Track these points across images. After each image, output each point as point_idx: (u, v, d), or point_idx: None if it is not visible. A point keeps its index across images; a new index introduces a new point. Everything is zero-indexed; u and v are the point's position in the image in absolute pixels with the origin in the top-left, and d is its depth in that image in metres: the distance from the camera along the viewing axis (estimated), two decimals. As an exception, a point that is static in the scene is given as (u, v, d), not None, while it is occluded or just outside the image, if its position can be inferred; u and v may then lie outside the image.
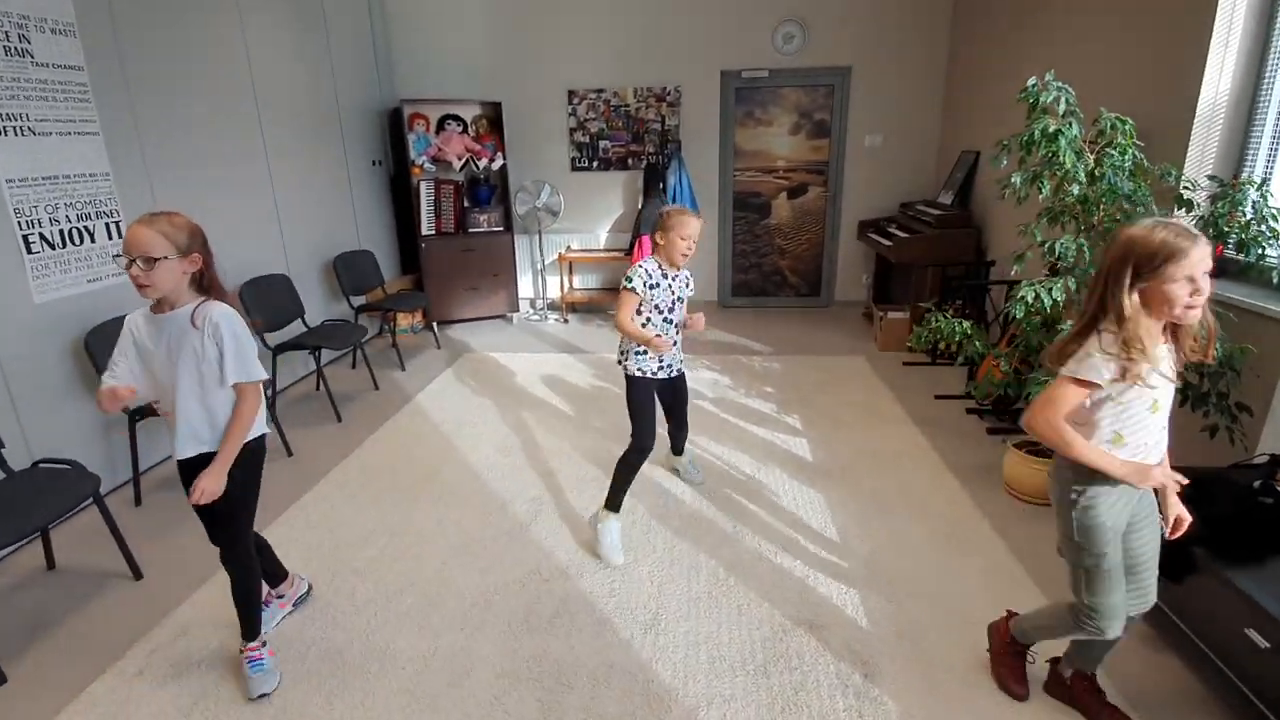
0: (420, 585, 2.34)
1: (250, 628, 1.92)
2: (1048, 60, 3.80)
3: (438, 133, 5.45)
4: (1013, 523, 2.63)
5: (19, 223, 2.64)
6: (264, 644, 1.95)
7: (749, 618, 2.15)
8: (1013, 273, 2.66)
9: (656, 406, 2.57)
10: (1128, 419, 1.46)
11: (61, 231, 2.81)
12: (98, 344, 2.79)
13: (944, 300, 4.46)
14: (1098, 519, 1.52)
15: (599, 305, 6.10)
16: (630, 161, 5.77)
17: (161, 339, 1.69)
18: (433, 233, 5.48)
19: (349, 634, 2.11)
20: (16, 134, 2.63)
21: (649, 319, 2.46)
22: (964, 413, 3.70)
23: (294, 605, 2.20)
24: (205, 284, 1.71)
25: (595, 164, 5.80)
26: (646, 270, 2.41)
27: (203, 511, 1.80)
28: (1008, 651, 1.85)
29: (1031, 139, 2.45)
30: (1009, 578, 2.31)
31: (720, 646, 2.03)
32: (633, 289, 2.40)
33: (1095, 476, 1.50)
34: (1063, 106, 2.44)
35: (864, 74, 5.41)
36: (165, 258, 1.60)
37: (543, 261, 5.93)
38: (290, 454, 3.34)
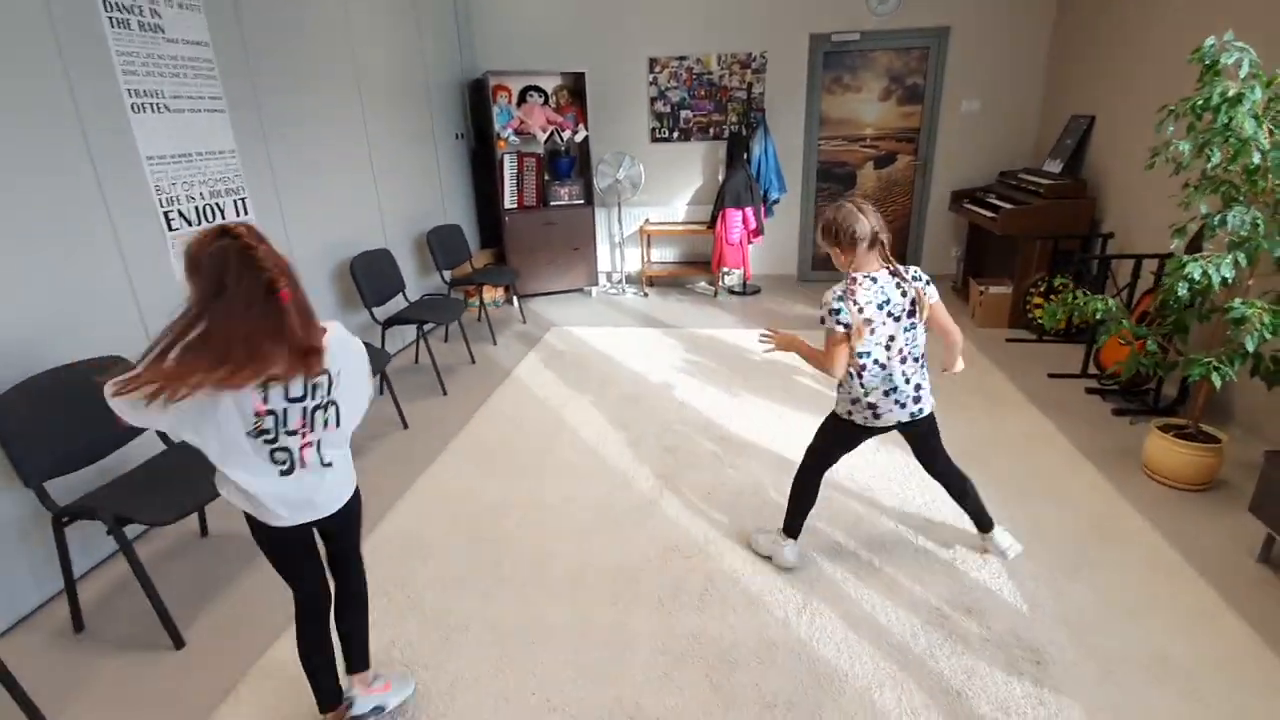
0: (563, 559, 2.37)
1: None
2: (1176, 11, 3.54)
3: (519, 105, 5.40)
4: (1161, 508, 2.52)
5: (159, 200, 2.71)
6: (376, 676, 1.78)
7: (902, 600, 2.12)
8: (1173, 247, 2.51)
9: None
10: None
11: (197, 208, 2.88)
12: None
13: (1052, 274, 4.28)
14: None
15: (679, 279, 6.04)
16: (712, 131, 5.64)
17: None
18: (514, 206, 5.47)
19: (502, 606, 2.15)
20: (154, 110, 2.68)
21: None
22: (1084, 393, 3.55)
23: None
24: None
25: (676, 134, 5.69)
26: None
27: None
28: None
29: (1207, 103, 2.28)
30: (1167, 567, 2.22)
31: (879, 629, 2.01)
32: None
33: None
34: (1245, 68, 2.26)
35: (963, 34, 5.14)
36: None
37: (621, 234, 5.88)
38: (406, 426, 3.42)
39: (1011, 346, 4.27)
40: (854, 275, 1.94)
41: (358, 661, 1.76)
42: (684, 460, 3.00)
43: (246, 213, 3.14)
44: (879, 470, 2.87)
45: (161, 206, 2.71)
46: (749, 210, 5.27)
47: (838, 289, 1.95)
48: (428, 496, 2.77)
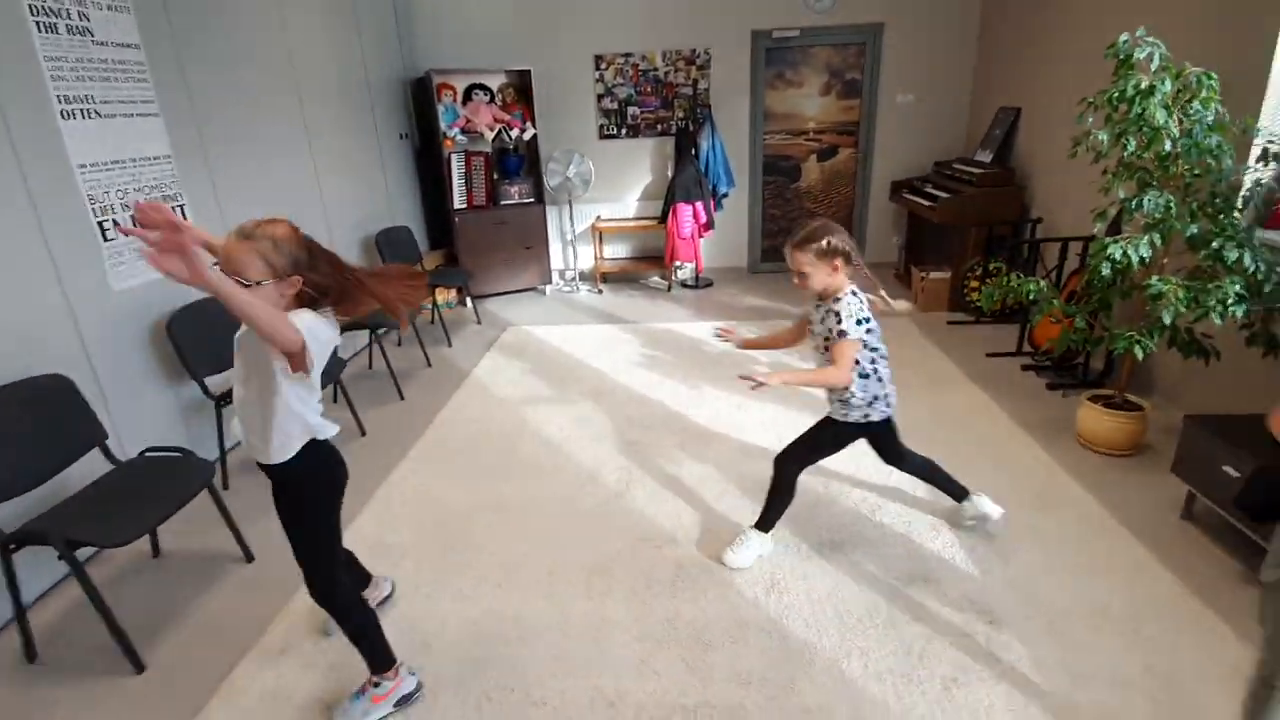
0: (535, 557, 2.39)
1: (373, 662, 1.75)
2: (1095, 9, 3.78)
3: (464, 103, 5.34)
4: (1094, 474, 2.71)
5: (93, 208, 2.60)
6: (391, 676, 1.76)
7: (863, 574, 2.22)
8: (1095, 230, 2.69)
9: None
10: None
11: (133, 217, 2.76)
12: (181, 329, 2.78)
13: (987, 259, 4.50)
14: None
15: (632, 274, 6.09)
16: (660, 127, 5.70)
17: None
18: (464, 206, 5.41)
19: (480, 607, 2.16)
20: (85, 116, 2.56)
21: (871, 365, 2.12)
22: (1020, 369, 3.76)
23: (376, 606, 2.02)
24: (316, 295, 1.48)
25: (624, 131, 5.72)
26: (863, 300, 2.06)
27: None
28: None
29: (1122, 95, 2.45)
30: (1101, 527, 2.39)
31: (843, 602, 2.10)
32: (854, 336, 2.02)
33: None
34: (1156, 62, 2.44)
35: (896, 31, 5.34)
36: (260, 283, 1.39)
37: (573, 232, 5.88)
38: (364, 433, 3.36)
39: (952, 329, 4.48)
40: (851, 289, 2.02)
41: None
42: (648, 453, 3.05)
43: (185, 219, 3.02)
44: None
45: (95, 216, 2.59)
46: (699, 204, 5.36)
47: (859, 301, 2.01)
48: (392, 504, 2.74)
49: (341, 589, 1.74)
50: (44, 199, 2.37)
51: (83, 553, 2.12)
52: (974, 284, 4.58)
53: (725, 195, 5.65)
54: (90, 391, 2.40)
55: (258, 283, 1.39)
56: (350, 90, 4.51)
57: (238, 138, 3.37)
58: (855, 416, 2.15)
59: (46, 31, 2.40)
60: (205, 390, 2.83)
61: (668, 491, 2.74)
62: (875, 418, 2.15)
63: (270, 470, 1.59)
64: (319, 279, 1.47)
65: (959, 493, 2.40)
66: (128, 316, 2.72)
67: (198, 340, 2.84)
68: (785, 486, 2.28)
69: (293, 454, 1.56)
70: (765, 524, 2.31)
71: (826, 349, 2.05)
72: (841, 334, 1.98)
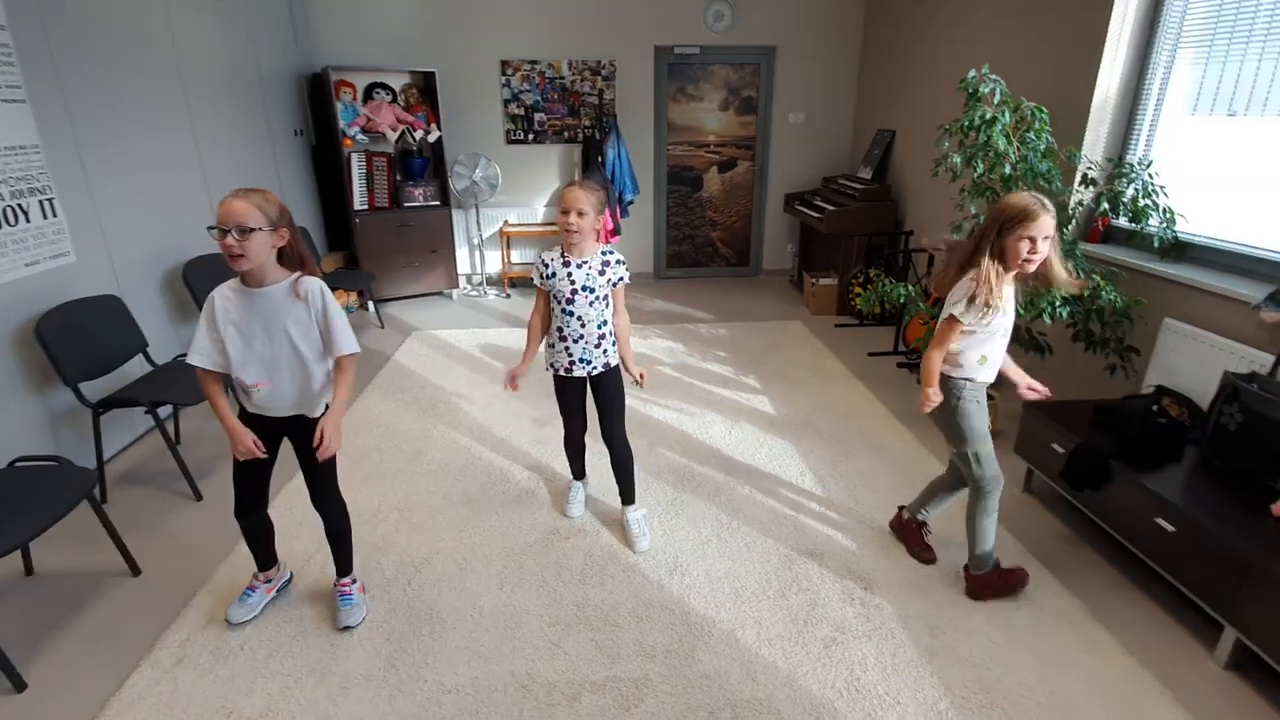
0: (444, 553, 2.42)
1: (343, 565, 2.11)
2: (955, 46, 4.25)
3: (365, 102, 5.22)
4: (955, 457, 3.06)
5: (-54, 201, 2.39)
6: (354, 580, 2.14)
7: (757, 553, 2.42)
8: (951, 239, 3.05)
9: (585, 401, 2.48)
10: (988, 345, 1.96)
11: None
12: (51, 332, 2.60)
13: (868, 267, 4.92)
14: (972, 414, 2.05)
15: (538, 279, 6.12)
16: (566, 134, 5.80)
17: (256, 316, 1.75)
18: (365, 207, 5.28)
19: (389, 605, 2.17)
20: (-65, 100, 2.37)
21: (553, 310, 2.31)
22: (895, 367, 4.15)
23: (277, 591, 2.20)
24: (294, 258, 1.79)
25: (531, 136, 5.78)
26: (542, 260, 2.28)
27: (255, 471, 1.95)
28: (911, 529, 2.40)
29: (971, 124, 2.81)
30: (959, 503, 2.72)
31: (739, 579, 2.29)
32: (534, 281, 2.32)
33: (961, 391, 2.01)
34: (998, 97, 2.81)
35: (787, 54, 5.73)
36: (259, 229, 1.66)
37: (480, 236, 5.87)
38: (261, 440, 3.24)
39: (839, 331, 4.86)
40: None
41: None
42: (557, 450, 3.13)
43: (55, 215, 2.82)
44: (735, 442, 3.20)
45: (-51, 208, 2.39)
46: (606, 211, 5.49)
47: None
48: (295, 511, 2.66)
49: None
50: (-112, 189, 2.16)
51: (-59, 572, 1.97)
52: (857, 290, 4.99)
53: (631, 202, 5.83)
54: (-55, 399, 2.21)
55: (258, 229, 1.66)
56: (239, 83, 4.31)
57: (115, 129, 3.17)
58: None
59: (-109, 6, 2.20)
60: (81, 397, 2.65)
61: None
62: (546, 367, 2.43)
63: (313, 421, 1.88)
64: (292, 240, 1.76)
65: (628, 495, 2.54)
66: (-11, 318, 2.52)
67: (70, 344, 2.67)
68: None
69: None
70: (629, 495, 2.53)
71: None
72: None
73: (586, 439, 2.62)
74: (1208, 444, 2.24)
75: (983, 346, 1.98)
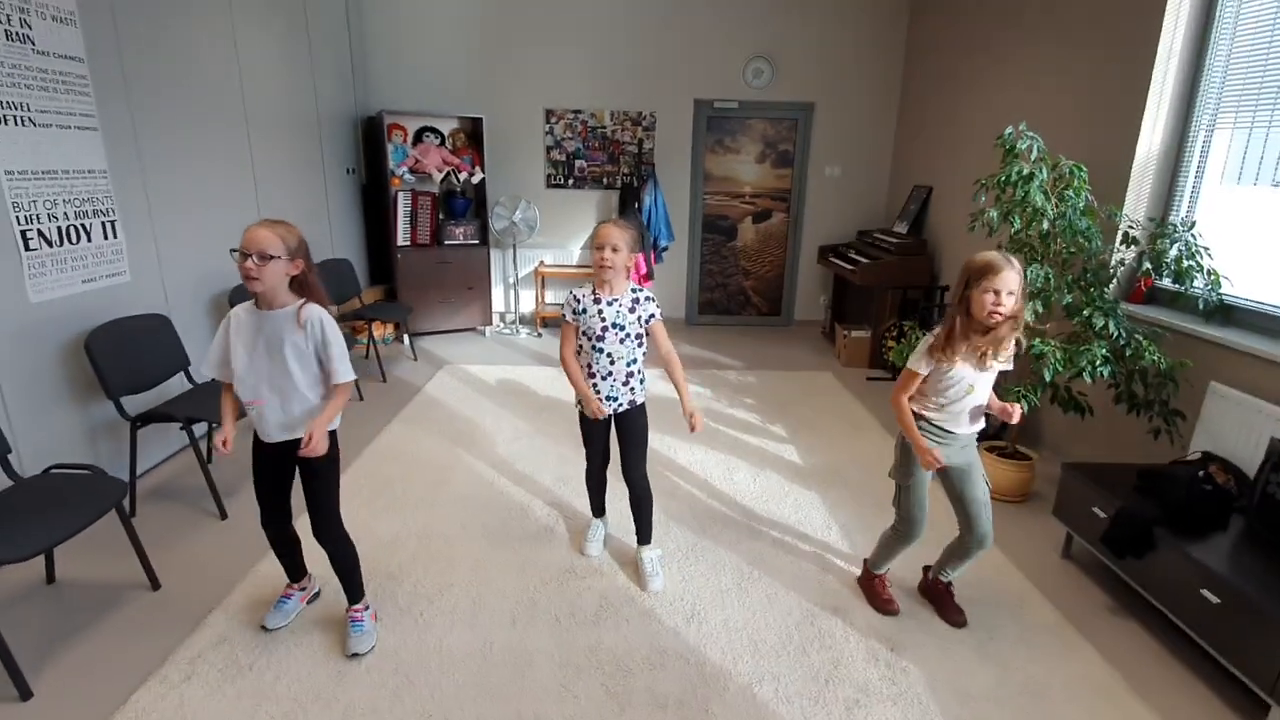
0: (459, 586, 2.39)
1: (352, 594, 2.13)
2: (994, 105, 4.28)
3: (414, 144, 5.45)
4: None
5: (17, 218, 2.54)
6: (366, 607, 2.15)
7: (778, 606, 2.33)
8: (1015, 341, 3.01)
9: (609, 438, 2.46)
10: (950, 394, 2.02)
11: (60, 229, 2.71)
12: (100, 346, 2.70)
13: (901, 320, 4.87)
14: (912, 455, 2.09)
15: (569, 319, 6.20)
16: (605, 180, 5.95)
17: (261, 334, 1.84)
18: (408, 244, 5.46)
19: (400, 635, 2.14)
20: (17, 123, 2.54)
21: (581, 346, 2.31)
22: (929, 422, 4.05)
23: (307, 603, 2.27)
24: (304, 287, 1.88)
25: (570, 182, 5.95)
26: (575, 295, 2.28)
27: (270, 486, 2.04)
28: (871, 581, 2.38)
29: (1008, 179, 2.80)
30: (991, 563, 2.60)
31: (758, 632, 2.20)
32: (564, 317, 2.31)
33: (920, 415, 2.09)
34: (1035, 153, 2.81)
35: (825, 110, 5.84)
36: (278, 257, 1.78)
37: (516, 276, 5.99)
38: (288, 462, 3.28)
39: (871, 384, 4.78)
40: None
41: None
42: (578, 489, 3.10)
43: (115, 236, 2.97)
44: (759, 490, 3.13)
45: (19, 225, 2.53)
46: (640, 256, 5.57)
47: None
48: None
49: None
50: (-32, 204, 2.31)
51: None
52: (890, 343, 4.92)
53: (665, 248, 5.91)
54: (-5, 404, 2.30)
55: (276, 256, 1.77)
56: (299, 122, 4.55)
57: (179, 159, 3.36)
58: None
59: (-15, 36, 2.40)
60: (121, 410, 2.73)
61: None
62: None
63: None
64: (305, 270, 1.86)
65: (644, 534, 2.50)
66: (43, 330, 2.64)
67: (117, 359, 2.77)
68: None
69: (333, 426, 2.00)
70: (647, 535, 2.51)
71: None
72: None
73: (609, 476, 2.59)
74: (1255, 513, 2.11)
75: (942, 395, 2.03)
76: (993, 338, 1.93)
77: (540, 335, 5.85)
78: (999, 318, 1.90)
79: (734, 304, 6.42)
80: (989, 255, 1.94)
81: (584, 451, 2.52)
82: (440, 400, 4.22)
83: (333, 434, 1.99)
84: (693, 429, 2.33)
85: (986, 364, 1.98)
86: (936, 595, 2.34)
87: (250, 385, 1.87)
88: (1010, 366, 2.05)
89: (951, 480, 2.14)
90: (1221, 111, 2.88)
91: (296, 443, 1.90)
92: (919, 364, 2.02)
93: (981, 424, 2.11)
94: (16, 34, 2.54)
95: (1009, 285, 1.88)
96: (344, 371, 1.91)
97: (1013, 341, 1.99)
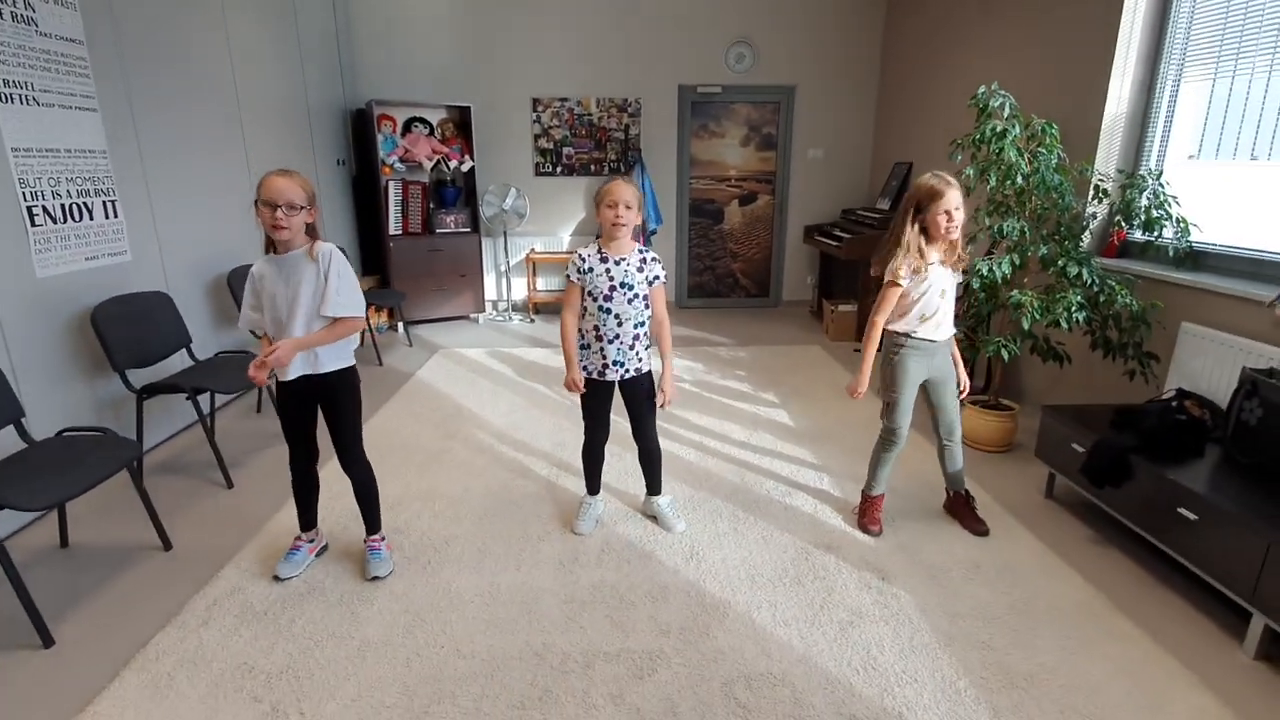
0: (463, 538, 2.46)
1: (371, 524, 2.28)
2: (969, 78, 4.39)
3: (404, 134, 5.52)
4: (974, 466, 3.04)
5: (23, 193, 2.59)
6: (383, 538, 2.30)
7: (773, 545, 2.42)
8: (969, 251, 3.11)
9: (612, 406, 2.42)
10: (926, 303, 2.26)
11: (63, 206, 2.76)
12: (105, 320, 2.76)
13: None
14: (900, 366, 2.35)
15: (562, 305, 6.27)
16: (593, 168, 6.04)
17: (282, 276, 1.96)
18: (400, 232, 5.52)
19: (409, 580, 2.21)
20: (22, 101, 2.59)
21: (586, 308, 2.28)
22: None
23: (316, 555, 2.34)
24: (313, 229, 2.04)
25: (559, 169, 6.03)
26: (581, 254, 2.24)
27: (294, 428, 2.15)
28: (865, 504, 2.56)
29: (982, 137, 2.91)
30: (978, 508, 2.70)
31: (755, 567, 2.29)
32: (568, 276, 2.26)
33: (902, 344, 2.32)
34: (1007, 111, 2.92)
35: (806, 93, 5.95)
36: (304, 207, 1.93)
37: (508, 263, 6.06)
38: (291, 437, 3.34)
39: (858, 355, 4.87)
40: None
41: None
42: (576, 451, 3.18)
43: (116, 216, 3.03)
44: (753, 447, 3.22)
45: (24, 200, 2.59)
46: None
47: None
48: (322, 495, 2.74)
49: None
50: (-26, 177, 2.37)
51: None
52: (877, 315, 5.03)
53: (654, 232, 6.00)
54: (5, 373, 2.35)
55: (303, 207, 1.91)
56: (290, 112, 4.61)
57: (175, 142, 3.42)
58: None
59: (-11, 16, 2.45)
60: (127, 383, 2.79)
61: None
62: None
63: (335, 375, 2.07)
64: (316, 218, 2.02)
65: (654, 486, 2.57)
66: (49, 304, 2.69)
67: (121, 332, 2.82)
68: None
69: (350, 361, 2.11)
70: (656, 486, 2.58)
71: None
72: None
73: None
74: (1229, 439, 2.22)
75: (920, 306, 2.26)
76: (952, 246, 2.27)
77: (533, 321, 5.93)
78: (954, 231, 2.20)
79: (723, 286, 6.52)
80: (931, 181, 2.19)
81: (582, 426, 2.47)
82: (436, 381, 4.29)
83: (353, 369, 2.11)
84: (662, 405, 2.36)
85: (954, 269, 2.31)
86: (957, 508, 2.57)
87: (277, 325, 1.99)
88: (961, 278, 2.41)
89: (930, 391, 2.43)
90: (1188, 64, 3.00)
91: (316, 379, 2.01)
92: (904, 278, 2.23)
93: (952, 328, 2.36)
94: (21, 16, 2.60)
95: (955, 203, 2.16)
96: (340, 305, 1.97)
97: (961, 247, 2.30)
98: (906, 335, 2.31)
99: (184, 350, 3.19)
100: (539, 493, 2.81)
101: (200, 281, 3.59)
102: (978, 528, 2.49)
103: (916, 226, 2.22)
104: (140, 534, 2.43)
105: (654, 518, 2.57)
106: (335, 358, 2.06)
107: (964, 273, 2.40)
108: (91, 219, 2.90)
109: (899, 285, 2.25)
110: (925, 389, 2.43)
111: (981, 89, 2.94)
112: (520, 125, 5.92)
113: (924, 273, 2.22)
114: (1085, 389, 3.27)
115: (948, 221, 2.17)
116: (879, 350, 2.39)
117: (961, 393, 2.44)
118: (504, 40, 5.70)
